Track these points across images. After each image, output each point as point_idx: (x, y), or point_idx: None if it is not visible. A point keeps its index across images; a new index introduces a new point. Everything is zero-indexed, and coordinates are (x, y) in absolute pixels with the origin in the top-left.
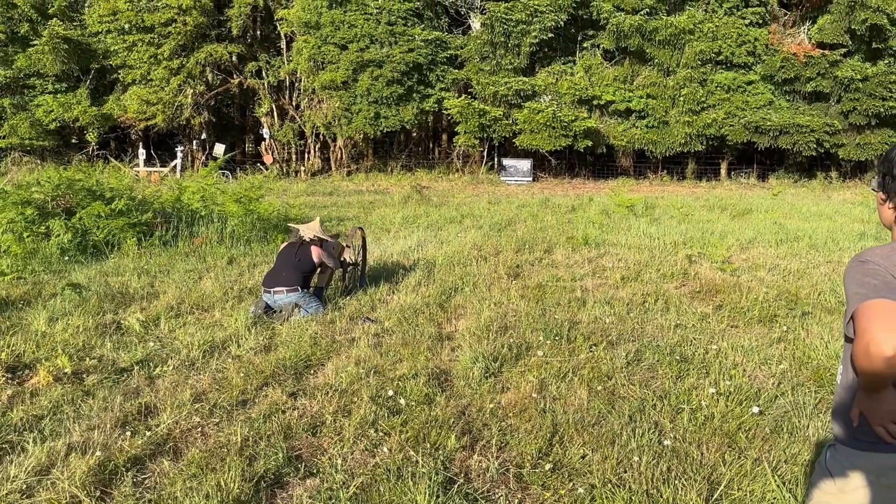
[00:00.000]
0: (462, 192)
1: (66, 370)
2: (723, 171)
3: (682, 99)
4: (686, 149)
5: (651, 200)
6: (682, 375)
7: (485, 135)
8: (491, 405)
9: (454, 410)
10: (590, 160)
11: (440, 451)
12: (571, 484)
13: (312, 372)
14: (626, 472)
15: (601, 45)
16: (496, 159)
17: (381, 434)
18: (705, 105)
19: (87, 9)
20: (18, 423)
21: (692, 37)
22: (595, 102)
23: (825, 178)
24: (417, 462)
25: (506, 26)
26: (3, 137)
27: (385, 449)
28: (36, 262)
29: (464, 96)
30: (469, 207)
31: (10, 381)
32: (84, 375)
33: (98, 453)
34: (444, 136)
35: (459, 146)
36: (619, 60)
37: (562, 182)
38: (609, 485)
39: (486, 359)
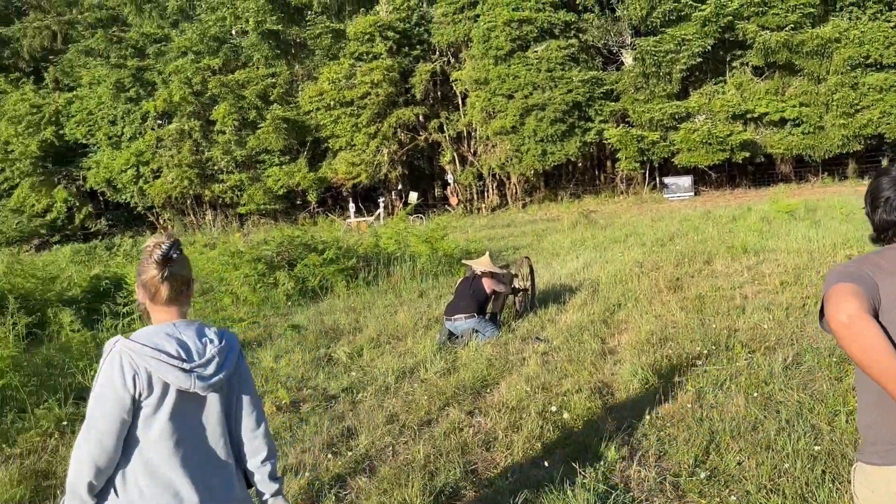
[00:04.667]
0: (627, 212)
1: (285, 401)
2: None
3: (835, 104)
4: (844, 150)
5: (812, 203)
6: (841, 377)
7: (644, 158)
8: (650, 416)
9: (615, 422)
10: (750, 170)
11: (601, 463)
12: (727, 491)
13: (488, 391)
14: (780, 477)
15: (750, 63)
16: (658, 178)
17: (547, 447)
18: (859, 107)
19: (299, 92)
20: None
21: (839, 44)
22: (749, 116)
23: None
24: (579, 473)
25: (655, 58)
26: (244, 205)
27: (549, 462)
28: (267, 308)
29: (622, 125)
30: (633, 226)
31: None
32: (300, 404)
33: (308, 473)
34: (608, 163)
35: (622, 171)
36: (769, 75)
37: (723, 193)
38: (763, 490)
39: (645, 371)
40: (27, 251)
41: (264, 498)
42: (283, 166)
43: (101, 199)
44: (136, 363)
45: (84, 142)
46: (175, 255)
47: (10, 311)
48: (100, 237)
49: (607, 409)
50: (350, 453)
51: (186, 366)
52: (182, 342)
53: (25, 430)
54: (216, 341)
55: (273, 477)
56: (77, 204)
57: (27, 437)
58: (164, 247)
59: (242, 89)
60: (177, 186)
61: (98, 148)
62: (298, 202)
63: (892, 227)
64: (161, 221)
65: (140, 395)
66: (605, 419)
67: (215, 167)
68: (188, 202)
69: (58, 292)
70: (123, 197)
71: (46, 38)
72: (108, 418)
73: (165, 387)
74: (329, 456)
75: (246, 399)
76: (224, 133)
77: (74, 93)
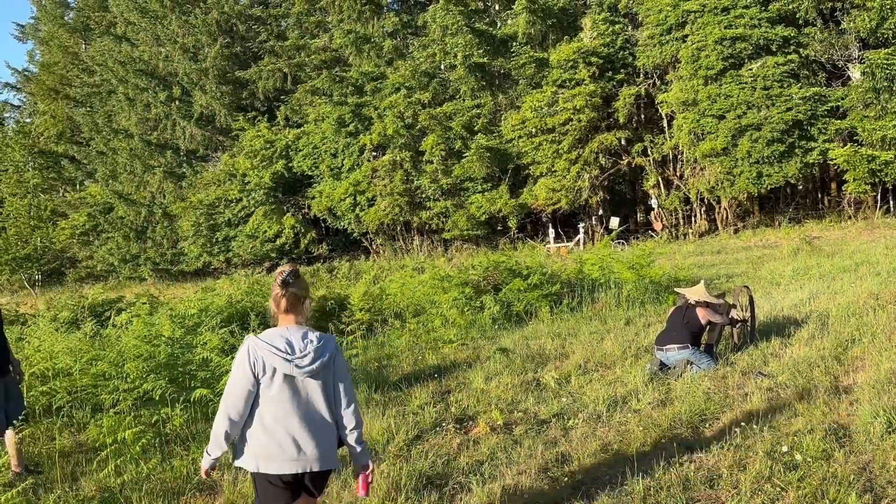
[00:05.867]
0: (856, 239)
1: (498, 422)
2: None
3: None
4: None
5: None
6: None
7: (876, 179)
8: (895, 462)
9: (854, 467)
10: None
11: None
12: None
13: (707, 425)
14: None
15: None
16: (892, 202)
17: (777, 489)
18: None
19: (502, 121)
20: (465, 466)
21: None
22: None
23: None
24: None
25: (888, 71)
26: (448, 231)
27: None
28: (474, 330)
29: (849, 145)
30: (864, 255)
31: (458, 431)
32: (513, 426)
33: (526, 496)
34: (833, 185)
35: (849, 193)
36: None
37: None
38: None
39: (888, 413)
40: (259, 272)
41: (352, 452)
42: (486, 193)
43: (323, 225)
44: (256, 353)
45: (309, 173)
46: (291, 280)
47: (252, 327)
48: (322, 260)
49: (845, 452)
50: (566, 479)
51: (289, 357)
52: (289, 341)
53: None
54: (315, 342)
55: (358, 441)
56: (302, 230)
57: None
58: (285, 273)
59: (449, 121)
60: (388, 213)
61: (321, 179)
62: (499, 228)
63: None
64: (374, 246)
65: (258, 374)
66: (844, 463)
67: (423, 195)
68: (398, 228)
69: None
70: (342, 223)
71: (278, 80)
72: (238, 389)
73: (274, 370)
74: (545, 480)
75: (341, 386)
76: (432, 163)
77: (302, 129)
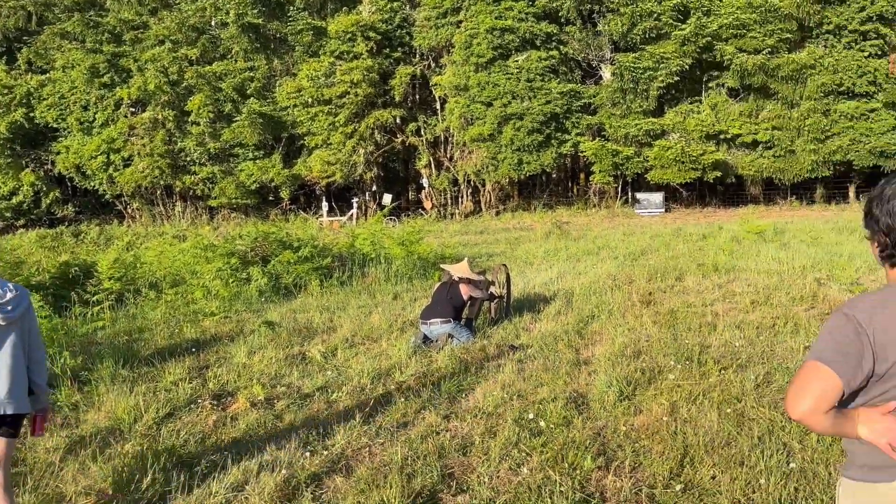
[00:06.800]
0: (599, 225)
1: (260, 397)
2: (851, 194)
3: (806, 129)
4: (813, 175)
5: (780, 226)
6: None
7: (618, 172)
8: (625, 427)
9: (590, 432)
10: (720, 190)
11: (577, 471)
12: None
13: (464, 396)
14: (754, 492)
15: (726, 84)
16: (630, 193)
17: (523, 454)
18: (830, 133)
19: (277, 87)
20: (221, 444)
21: (813, 71)
22: (722, 137)
23: None
24: (556, 481)
25: (634, 74)
26: (215, 198)
27: (526, 469)
28: (239, 303)
29: (598, 139)
30: (605, 239)
31: (215, 407)
32: (275, 401)
33: (284, 471)
34: (582, 176)
35: (595, 184)
36: (744, 97)
37: (693, 212)
38: None
39: (620, 382)
40: None
41: (36, 397)
42: (257, 161)
43: (70, 184)
44: None
45: (55, 126)
46: None
47: None
48: (66, 223)
49: (583, 418)
50: (326, 452)
51: None
52: None
53: None
54: (13, 291)
55: (42, 387)
56: (44, 188)
57: None
58: None
59: (219, 81)
60: (147, 176)
61: (69, 132)
62: (270, 198)
63: None
64: (129, 210)
65: None
66: (581, 428)
67: (187, 158)
68: (158, 192)
69: (25, 277)
70: (92, 184)
71: (21, 19)
72: None
73: None
74: (305, 454)
75: (32, 334)
76: (198, 124)
77: (47, 75)
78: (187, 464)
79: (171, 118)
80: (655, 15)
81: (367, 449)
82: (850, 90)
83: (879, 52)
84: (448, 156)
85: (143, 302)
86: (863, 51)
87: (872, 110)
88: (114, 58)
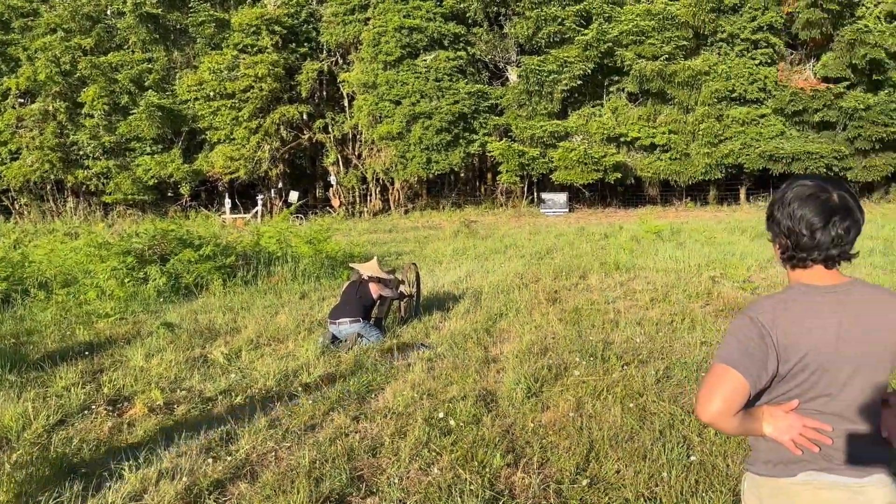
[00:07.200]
0: (506, 224)
1: (158, 402)
2: (742, 196)
3: (701, 133)
4: (707, 177)
5: (677, 226)
6: None
7: (524, 172)
8: (533, 424)
9: (499, 430)
10: (620, 190)
11: (487, 469)
12: (607, 498)
13: (373, 396)
14: (657, 485)
15: (626, 89)
16: (536, 193)
17: (433, 454)
18: (723, 137)
19: (177, 80)
20: (117, 451)
21: (708, 77)
22: (622, 139)
23: None
24: (466, 480)
25: (539, 76)
26: (110, 194)
27: (437, 468)
28: (136, 304)
29: (504, 140)
30: (512, 238)
31: (111, 413)
32: (175, 406)
33: (185, 479)
34: (489, 175)
35: (502, 183)
36: (643, 101)
37: (595, 212)
38: (642, 498)
39: (527, 380)
40: None
41: None
42: (155, 156)
43: None
44: None
45: None
46: None
47: None
48: None
49: (492, 416)
50: (230, 458)
51: None
52: None
53: None
54: None
55: None
56: None
57: None
58: None
59: (115, 73)
60: (37, 170)
61: None
62: (170, 194)
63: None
64: (17, 206)
65: None
66: (490, 426)
67: (80, 152)
68: (48, 187)
69: None
70: None
71: None
72: None
73: None
74: (208, 461)
75: None
76: (92, 117)
77: None
78: (81, 473)
79: (62, 110)
80: (559, 20)
81: (274, 453)
82: (741, 96)
83: (769, 61)
84: (356, 153)
85: (32, 303)
86: (754, 59)
87: (762, 116)
88: (1, 46)
